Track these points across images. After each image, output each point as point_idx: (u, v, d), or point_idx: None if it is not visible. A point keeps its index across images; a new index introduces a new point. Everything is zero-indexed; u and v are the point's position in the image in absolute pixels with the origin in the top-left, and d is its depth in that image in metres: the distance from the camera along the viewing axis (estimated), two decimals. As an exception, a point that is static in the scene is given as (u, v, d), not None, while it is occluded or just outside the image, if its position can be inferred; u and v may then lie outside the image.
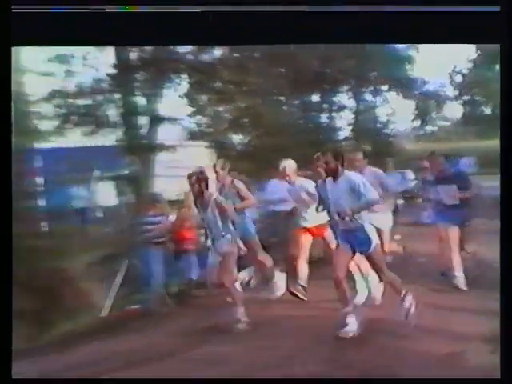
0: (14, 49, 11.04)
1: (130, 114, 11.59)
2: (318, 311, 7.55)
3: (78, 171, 10.89)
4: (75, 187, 11.82)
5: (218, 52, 12.36)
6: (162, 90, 12.04)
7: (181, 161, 11.24)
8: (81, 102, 11.65)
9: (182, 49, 11.96)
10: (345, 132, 15.01)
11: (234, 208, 8.00)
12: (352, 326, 6.49)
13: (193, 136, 12.69)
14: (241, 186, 8.26)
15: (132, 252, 9.42)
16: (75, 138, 11.71)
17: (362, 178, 6.74)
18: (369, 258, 6.74)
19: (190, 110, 12.95)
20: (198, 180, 7.54)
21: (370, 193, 6.55)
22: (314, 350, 6.19)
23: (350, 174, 6.69)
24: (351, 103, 15.06)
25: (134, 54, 11.68)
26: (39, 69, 11.12)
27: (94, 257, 9.30)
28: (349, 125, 15.05)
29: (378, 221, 8.49)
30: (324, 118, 14.40)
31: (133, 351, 6.90)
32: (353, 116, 14.97)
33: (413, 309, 6.52)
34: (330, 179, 6.82)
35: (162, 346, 7.06)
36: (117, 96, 11.65)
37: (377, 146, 14.66)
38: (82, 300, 8.56)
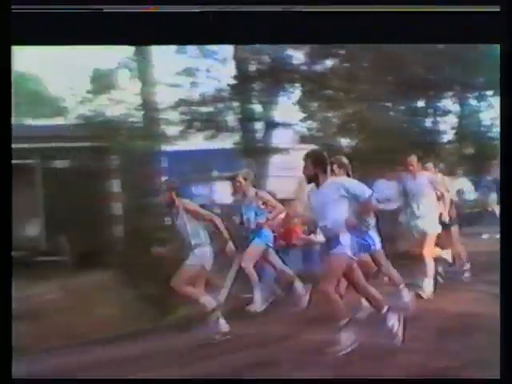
0: (147, 62, 11.59)
1: (247, 119, 11.79)
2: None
3: (199, 171, 11.18)
4: (196, 186, 12.12)
5: (329, 62, 12.38)
6: (277, 98, 12.16)
7: (292, 162, 11.28)
8: (203, 109, 11.90)
9: (297, 60, 12.07)
10: (448, 135, 14.39)
11: (267, 219, 7.76)
12: (346, 341, 5.68)
13: (303, 139, 12.61)
14: (267, 196, 7.87)
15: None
16: (197, 141, 12.10)
17: (350, 181, 6.10)
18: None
19: (302, 115, 12.97)
20: (169, 188, 7.11)
21: (364, 191, 5.78)
22: (418, 340, 6.00)
23: (336, 180, 6.02)
24: (455, 108, 14.46)
25: (252, 66, 11.89)
26: (168, 81, 11.60)
27: (212, 248, 9.45)
28: (452, 128, 14.37)
29: (425, 224, 8.18)
30: (428, 122, 13.90)
31: (245, 335, 6.89)
32: (457, 120, 14.42)
33: (396, 328, 5.76)
34: (312, 186, 6.05)
35: (271, 331, 7.01)
36: (235, 104, 11.89)
37: (481, 148, 14.07)
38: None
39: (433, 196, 8.37)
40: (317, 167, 5.84)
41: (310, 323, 7.18)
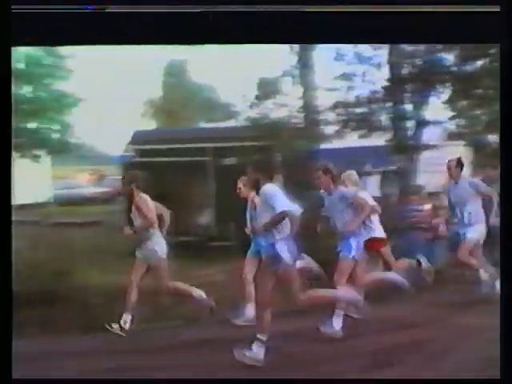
0: (309, 69, 12.20)
1: (398, 119, 11.94)
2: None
3: (353, 167, 11.52)
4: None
5: (479, 62, 12.21)
6: (428, 98, 12.18)
7: (441, 158, 11.35)
8: (358, 110, 12.23)
9: (447, 62, 12.06)
10: None
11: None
12: (257, 353, 5.73)
13: (452, 136, 12.62)
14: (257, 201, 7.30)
15: (396, 235, 9.77)
16: (352, 139, 12.50)
17: (273, 192, 5.89)
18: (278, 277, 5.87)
19: (451, 114, 12.82)
20: (128, 181, 6.98)
21: (281, 206, 5.70)
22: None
23: (265, 188, 5.91)
24: None
25: (405, 69, 12.06)
26: (327, 85, 12.18)
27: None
28: None
29: (470, 232, 7.85)
30: None
31: (390, 318, 7.23)
32: None
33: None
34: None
35: (417, 315, 7.34)
36: (388, 104, 12.10)
37: None
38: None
39: (478, 201, 8.05)
40: (258, 174, 6.09)
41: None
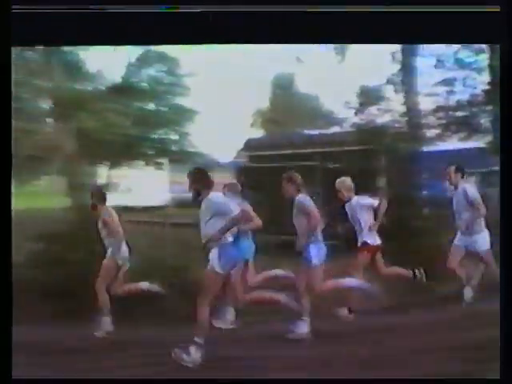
0: (410, 76, 12.48)
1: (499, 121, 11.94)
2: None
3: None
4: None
5: None
6: None
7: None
8: (459, 113, 12.44)
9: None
10: None
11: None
12: (193, 355, 5.89)
13: None
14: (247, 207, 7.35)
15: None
16: (453, 142, 12.70)
17: (220, 199, 5.99)
18: None
19: None
20: (93, 194, 7.61)
21: (230, 210, 5.78)
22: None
23: (209, 197, 5.96)
24: None
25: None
26: (428, 91, 12.44)
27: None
28: None
29: (476, 243, 7.71)
30: None
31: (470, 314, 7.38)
32: None
33: None
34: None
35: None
36: (489, 107, 12.12)
37: None
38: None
39: (475, 209, 7.75)
40: (195, 184, 6.09)
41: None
